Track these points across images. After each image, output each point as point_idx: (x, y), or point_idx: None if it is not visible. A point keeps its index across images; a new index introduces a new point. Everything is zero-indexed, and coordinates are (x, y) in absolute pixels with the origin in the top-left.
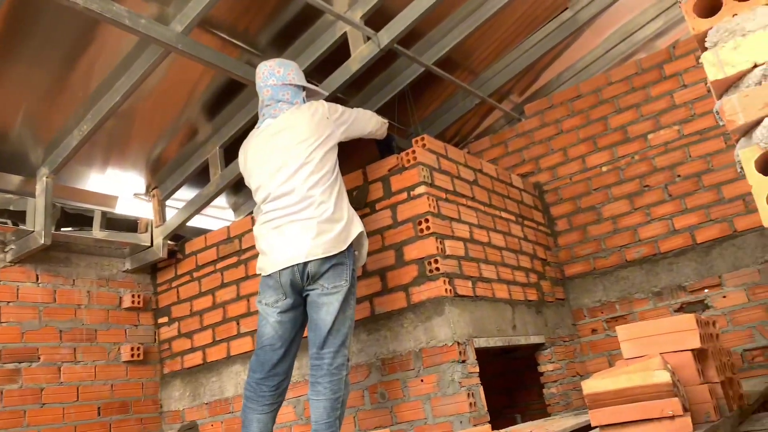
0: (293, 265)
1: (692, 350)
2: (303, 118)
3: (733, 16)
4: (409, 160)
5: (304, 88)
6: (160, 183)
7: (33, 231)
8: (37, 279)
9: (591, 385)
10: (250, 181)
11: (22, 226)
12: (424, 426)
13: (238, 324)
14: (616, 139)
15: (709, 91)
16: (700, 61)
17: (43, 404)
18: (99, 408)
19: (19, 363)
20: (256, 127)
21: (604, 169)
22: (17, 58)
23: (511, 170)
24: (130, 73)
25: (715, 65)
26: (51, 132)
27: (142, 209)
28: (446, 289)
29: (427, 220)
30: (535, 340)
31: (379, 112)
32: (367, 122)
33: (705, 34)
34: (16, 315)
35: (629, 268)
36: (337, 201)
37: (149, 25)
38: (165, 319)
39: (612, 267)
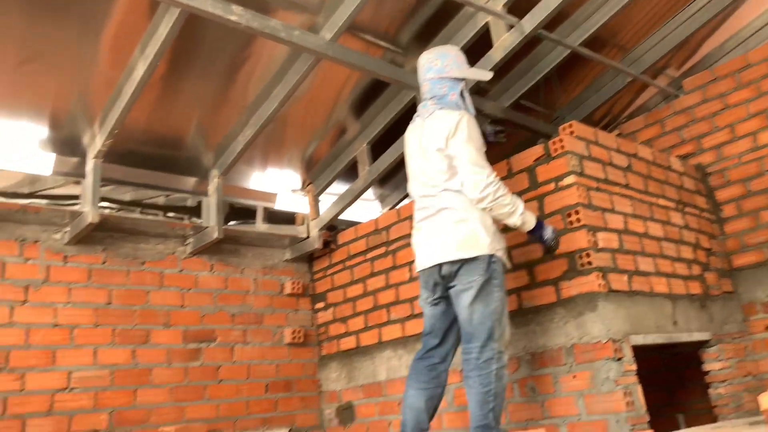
0: (430, 267)
1: None
2: (441, 126)
3: None
4: (556, 149)
5: (463, 79)
6: (314, 179)
7: (208, 226)
8: (212, 268)
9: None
10: (407, 169)
11: (197, 222)
12: (577, 422)
13: (388, 311)
14: None
15: None
16: None
17: (221, 380)
18: (267, 386)
19: (200, 343)
20: (413, 118)
21: None
22: (188, 73)
23: (669, 152)
24: (285, 81)
25: None
26: (218, 138)
27: (299, 204)
28: (599, 284)
29: (577, 212)
30: (699, 336)
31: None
32: (469, 175)
33: None
34: (196, 300)
35: None
36: (467, 206)
37: (302, 36)
38: (321, 305)
39: None
